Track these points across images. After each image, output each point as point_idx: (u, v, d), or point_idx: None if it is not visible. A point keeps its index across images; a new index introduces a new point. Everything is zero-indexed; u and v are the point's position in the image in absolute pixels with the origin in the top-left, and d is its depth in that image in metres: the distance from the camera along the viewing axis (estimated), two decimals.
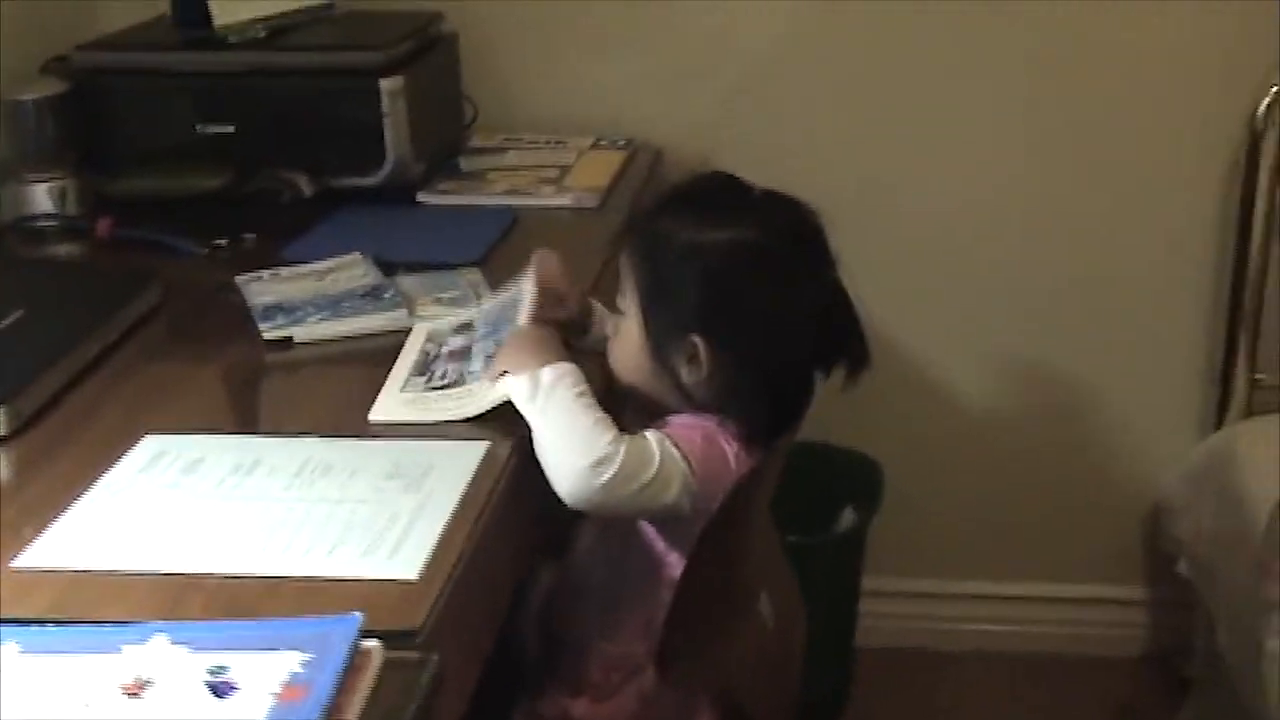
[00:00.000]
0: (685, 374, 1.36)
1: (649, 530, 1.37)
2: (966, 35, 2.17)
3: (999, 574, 2.45)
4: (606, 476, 1.26)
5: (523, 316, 1.39)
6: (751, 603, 1.46)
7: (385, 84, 1.86)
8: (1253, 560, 1.84)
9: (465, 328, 1.49)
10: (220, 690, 0.90)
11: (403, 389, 1.39)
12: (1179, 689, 2.29)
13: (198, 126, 1.90)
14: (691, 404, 1.37)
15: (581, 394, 1.29)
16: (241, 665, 0.92)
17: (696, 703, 1.39)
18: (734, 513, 1.35)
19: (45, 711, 0.89)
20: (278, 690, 0.90)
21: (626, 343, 1.39)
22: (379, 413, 1.35)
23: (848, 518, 2.25)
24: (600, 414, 1.29)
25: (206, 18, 1.94)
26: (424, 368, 1.42)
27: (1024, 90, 2.20)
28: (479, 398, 1.34)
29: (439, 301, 1.58)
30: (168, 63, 1.93)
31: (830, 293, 1.38)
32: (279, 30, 1.98)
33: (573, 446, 1.26)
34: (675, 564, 1.36)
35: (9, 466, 1.26)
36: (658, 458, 1.29)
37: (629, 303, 1.38)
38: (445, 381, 1.39)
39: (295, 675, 0.91)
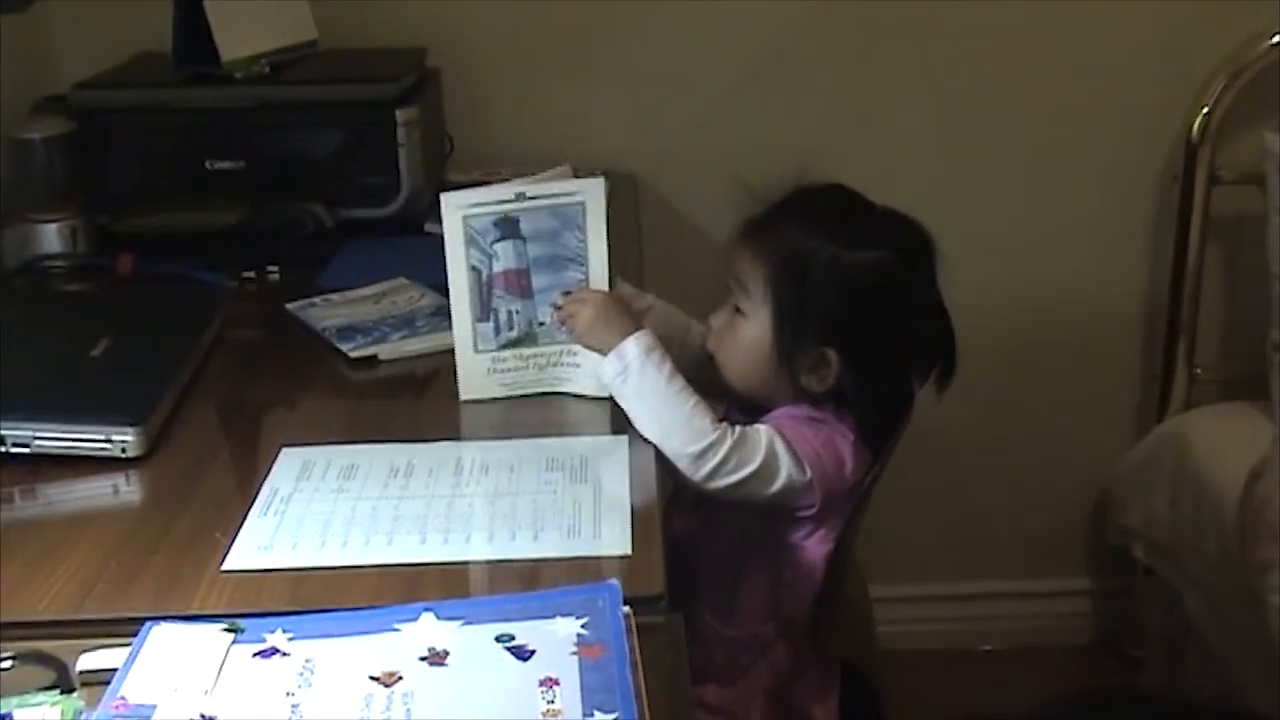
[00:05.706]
0: (806, 379, 1.43)
1: (771, 517, 1.43)
2: (913, 55, 2.26)
3: (949, 575, 2.55)
4: (709, 465, 1.33)
5: (596, 276, 1.41)
6: (857, 574, 1.54)
7: (401, 114, 1.90)
8: (1233, 530, 1.99)
9: (509, 226, 1.43)
10: (521, 654, 0.94)
11: (476, 349, 1.42)
12: (1130, 668, 2.44)
13: (207, 163, 1.90)
14: (802, 400, 1.44)
15: (671, 373, 1.34)
16: (525, 633, 0.96)
17: (835, 671, 1.46)
18: (865, 498, 1.43)
19: (353, 689, 0.91)
20: (575, 650, 0.94)
21: (744, 344, 1.45)
22: (468, 392, 1.41)
23: None
24: (694, 397, 1.35)
25: (203, 55, 1.94)
26: (484, 304, 1.42)
27: (968, 98, 2.28)
28: (571, 379, 1.41)
29: None
30: (176, 99, 1.92)
31: (938, 306, 1.48)
32: (279, 66, 1.99)
33: (674, 434, 1.32)
34: (797, 546, 1.43)
35: (155, 483, 1.27)
36: (762, 453, 1.36)
37: (754, 306, 1.44)
38: (515, 335, 1.42)
39: (582, 636, 0.95)
